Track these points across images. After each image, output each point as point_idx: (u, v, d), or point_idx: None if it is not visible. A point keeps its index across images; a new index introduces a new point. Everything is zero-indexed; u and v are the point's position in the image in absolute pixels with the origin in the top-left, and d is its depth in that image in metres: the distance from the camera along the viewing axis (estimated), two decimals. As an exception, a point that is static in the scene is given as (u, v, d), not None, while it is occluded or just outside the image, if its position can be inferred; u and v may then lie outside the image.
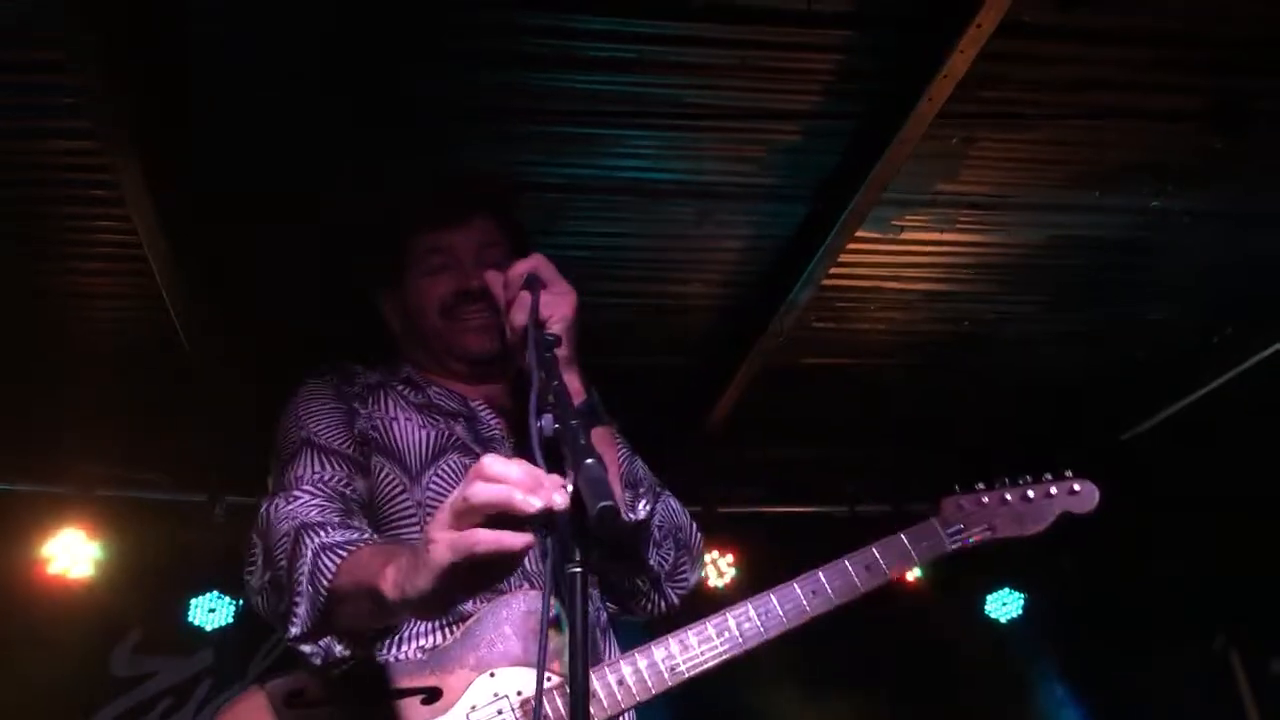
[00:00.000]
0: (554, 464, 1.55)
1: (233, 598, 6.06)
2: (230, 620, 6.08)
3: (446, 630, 2.10)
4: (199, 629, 6.06)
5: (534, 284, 2.08)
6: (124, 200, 3.94)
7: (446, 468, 2.24)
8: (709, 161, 4.06)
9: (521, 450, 2.31)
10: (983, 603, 6.67)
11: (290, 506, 2.01)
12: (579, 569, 1.51)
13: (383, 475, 2.23)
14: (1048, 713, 6.68)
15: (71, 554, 5.68)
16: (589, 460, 1.54)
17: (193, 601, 6.01)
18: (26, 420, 5.39)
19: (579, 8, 3.41)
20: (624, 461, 2.31)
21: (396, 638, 2.11)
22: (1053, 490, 2.44)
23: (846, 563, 2.25)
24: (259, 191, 4.06)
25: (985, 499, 2.39)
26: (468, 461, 2.26)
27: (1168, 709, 6.04)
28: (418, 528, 2.17)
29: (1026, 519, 2.40)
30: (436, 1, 3.37)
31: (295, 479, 2.10)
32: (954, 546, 2.34)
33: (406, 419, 2.28)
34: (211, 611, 6.05)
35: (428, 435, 2.27)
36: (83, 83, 3.42)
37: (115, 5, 3.23)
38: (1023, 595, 6.62)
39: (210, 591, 6.04)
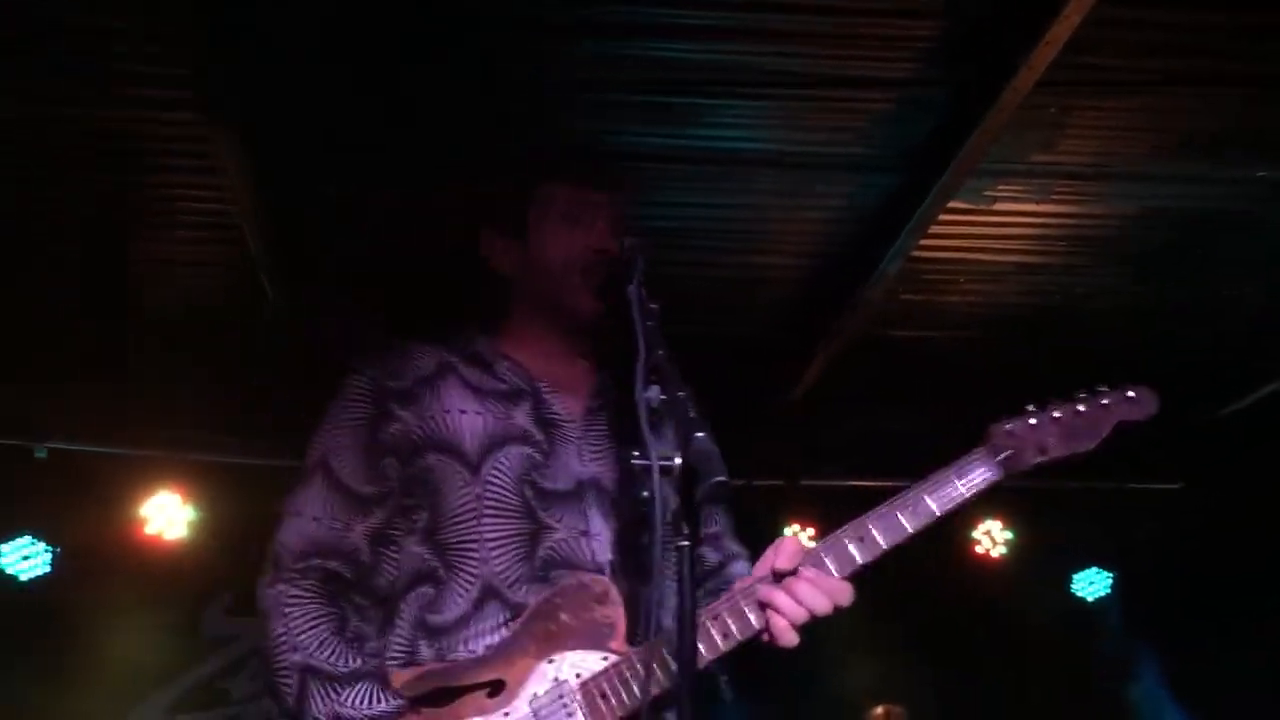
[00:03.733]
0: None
1: (320, 562, 6.17)
2: (317, 584, 6.19)
3: (510, 624, 2.12)
4: (287, 592, 6.18)
5: (636, 251, 2.05)
6: (219, 169, 4.02)
7: (505, 460, 2.21)
8: (801, 131, 4.01)
9: (586, 434, 2.30)
10: (1069, 581, 6.57)
11: (294, 620, 2.11)
12: (687, 542, 1.50)
13: (444, 471, 2.20)
14: (1136, 693, 6.57)
15: (167, 516, 5.82)
16: (699, 433, 1.52)
17: (281, 564, 6.12)
18: (124, 385, 5.53)
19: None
20: None
21: (464, 636, 2.13)
22: (1105, 401, 2.19)
23: (894, 505, 2.10)
24: (352, 160, 4.11)
25: (1034, 420, 2.16)
26: (527, 451, 2.23)
27: (1260, 688, 5.91)
28: (475, 521, 2.17)
29: (1079, 433, 2.17)
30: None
31: (305, 532, 2.18)
32: (1003, 473, 2.13)
33: (462, 410, 2.24)
34: (299, 575, 6.16)
35: (485, 424, 2.24)
36: (184, 55, 3.47)
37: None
38: (1111, 574, 6.51)
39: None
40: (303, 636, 2.10)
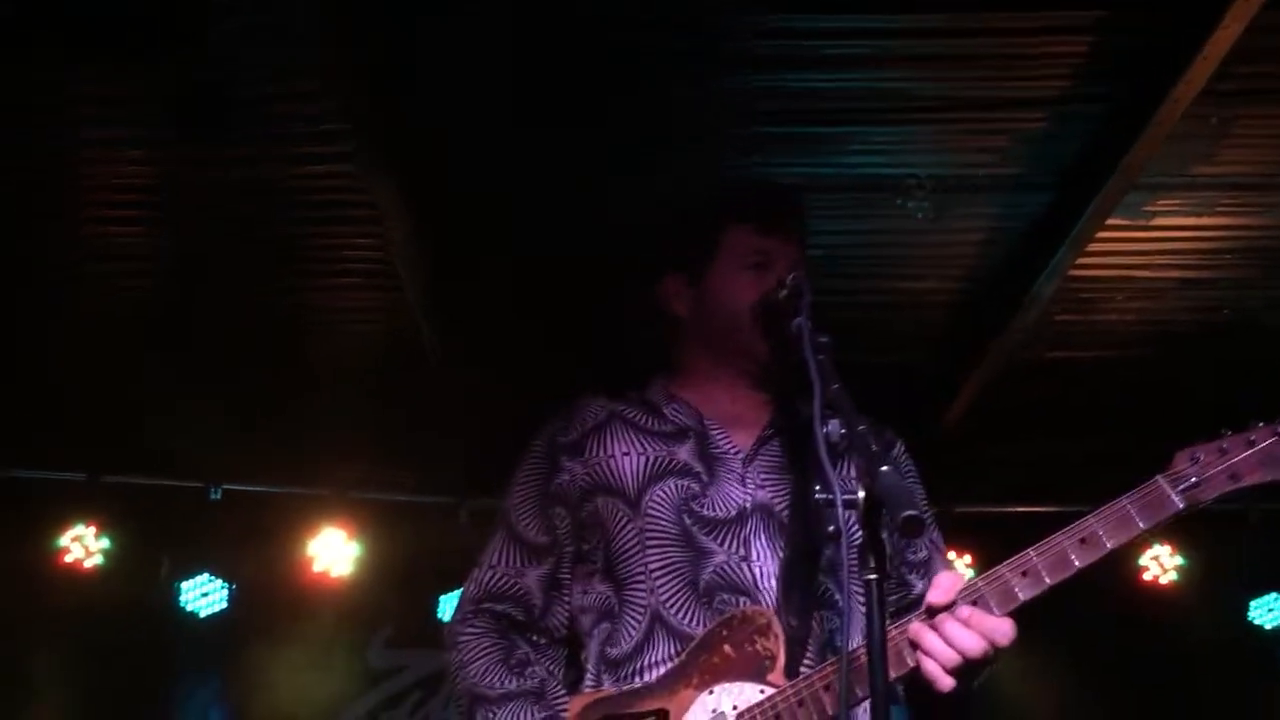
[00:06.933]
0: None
1: (481, 595, 6.29)
2: (478, 617, 6.31)
3: (678, 655, 2.16)
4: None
5: (802, 286, 2.06)
6: (379, 219, 4.18)
7: (663, 492, 2.27)
8: (947, 154, 3.99)
9: (754, 464, 2.31)
10: (1247, 608, 6.27)
11: (466, 653, 2.29)
12: (874, 576, 1.50)
13: (608, 510, 2.30)
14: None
15: (333, 553, 6.03)
16: (885, 467, 1.53)
17: (442, 599, 6.27)
18: (291, 427, 5.76)
19: (812, 7, 3.41)
20: None
21: (638, 666, 2.19)
22: None
23: (1061, 537, 1.94)
24: (506, 207, 4.23)
25: (1226, 445, 1.95)
26: (685, 483, 2.27)
27: None
28: (640, 554, 2.23)
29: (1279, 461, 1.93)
30: (669, 10, 3.43)
31: (481, 580, 2.36)
32: (1186, 505, 1.93)
33: (624, 453, 2.33)
34: (460, 608, 6.30)
35: (644, 462, 2.29)
36: (344, 108, 3.64)
37: (372, 34, 3.43)
38: (1292, 600, 6.20)
39: (459, 589, 6.26)
40: (470, 668, 2.27)
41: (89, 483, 5.95)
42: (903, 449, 2.46)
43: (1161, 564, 6.15)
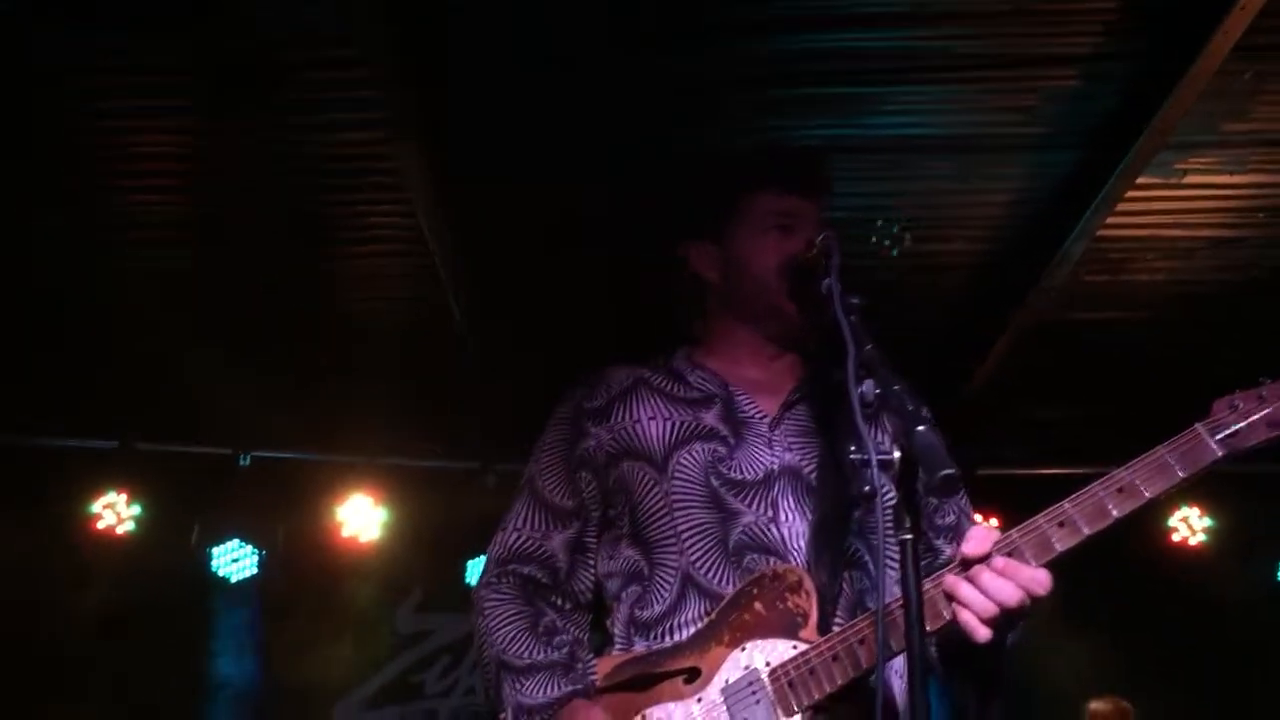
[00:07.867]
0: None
1: (507, 560, 6.35)
2: (505, 581, 6.37)
3: (710, 613, 2.17)
4: (476, 589, 6.38)
5: (831, 247, 2.06)
6: (407, 186, 4.18)
7: (690, 456, 2.27)
8: (976, 114, 3.95)
9: (781, 427, 2.31)
10: (1276, 569, 6.26)
11: (492, 619, 2.29)
12: (909, 535, 1.50)
13: (635, 474, 2.29)
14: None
15: (361, 518, 6.08)
16: (921, 427, 1.52)
17: (469, 563, 6.32)
18: (319, 395, 5.80)
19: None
20: None
21: (669, 627, 2.21)
22: None
23: (1097, 488, 1.91)
24: (531, 173, 4.23)
25: (1265, 392, 1.93)
26: (712, 446, 2.27)
27: None
28: (668, 517, 2.24)
29: None
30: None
31: (507, 543, 2.35)
32: (1225, 452, 1.90)
33: (650, 417, 2.34)
34: (487, 573, 6.36)
35: (670, 426, 2.32)
36: (375, 77, 3.63)
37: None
38: (1324, 560, 6.19)
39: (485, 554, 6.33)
40: (497, 634, 2.28)
41: (121, 450, 6.02)
42: (929, 416, 2.46)
43: (1191, 525, 6.14)
